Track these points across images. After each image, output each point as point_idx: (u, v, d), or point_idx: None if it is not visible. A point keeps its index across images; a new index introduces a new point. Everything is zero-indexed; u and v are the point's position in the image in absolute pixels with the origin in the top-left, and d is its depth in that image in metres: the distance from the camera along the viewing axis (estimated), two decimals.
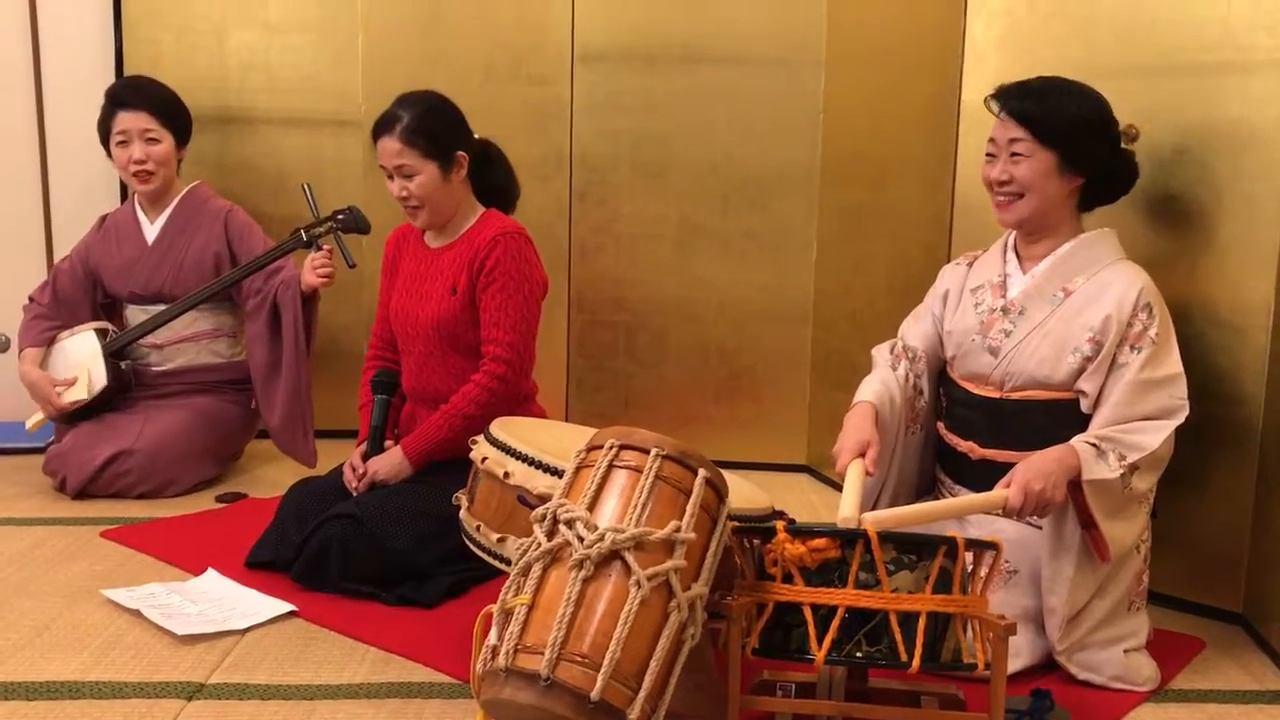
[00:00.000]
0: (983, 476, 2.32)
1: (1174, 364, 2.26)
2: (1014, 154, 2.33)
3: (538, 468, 2.10)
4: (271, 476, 3.52)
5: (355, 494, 2.72)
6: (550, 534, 1.78)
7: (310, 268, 3.29)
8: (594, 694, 1.64)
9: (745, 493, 2.27)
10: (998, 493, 2.16)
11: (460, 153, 2.80)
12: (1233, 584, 2.54)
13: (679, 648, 1.76)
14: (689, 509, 1.80)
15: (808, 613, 1.85)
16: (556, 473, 2.04)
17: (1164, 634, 2.45)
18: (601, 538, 1.73)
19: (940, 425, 2.51)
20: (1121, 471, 2.15)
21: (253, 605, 2.50)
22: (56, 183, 3.93)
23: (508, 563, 2.07)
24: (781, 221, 3.67)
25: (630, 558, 1.72)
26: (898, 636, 1.82)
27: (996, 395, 2.38)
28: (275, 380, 3.40)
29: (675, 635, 1.74)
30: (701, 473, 1.83)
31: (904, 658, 1.82)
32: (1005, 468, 2.20)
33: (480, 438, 2.27)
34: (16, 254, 3.91)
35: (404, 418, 2.95)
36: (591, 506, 1.79)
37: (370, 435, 2.81)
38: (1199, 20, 2.49)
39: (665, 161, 3.70)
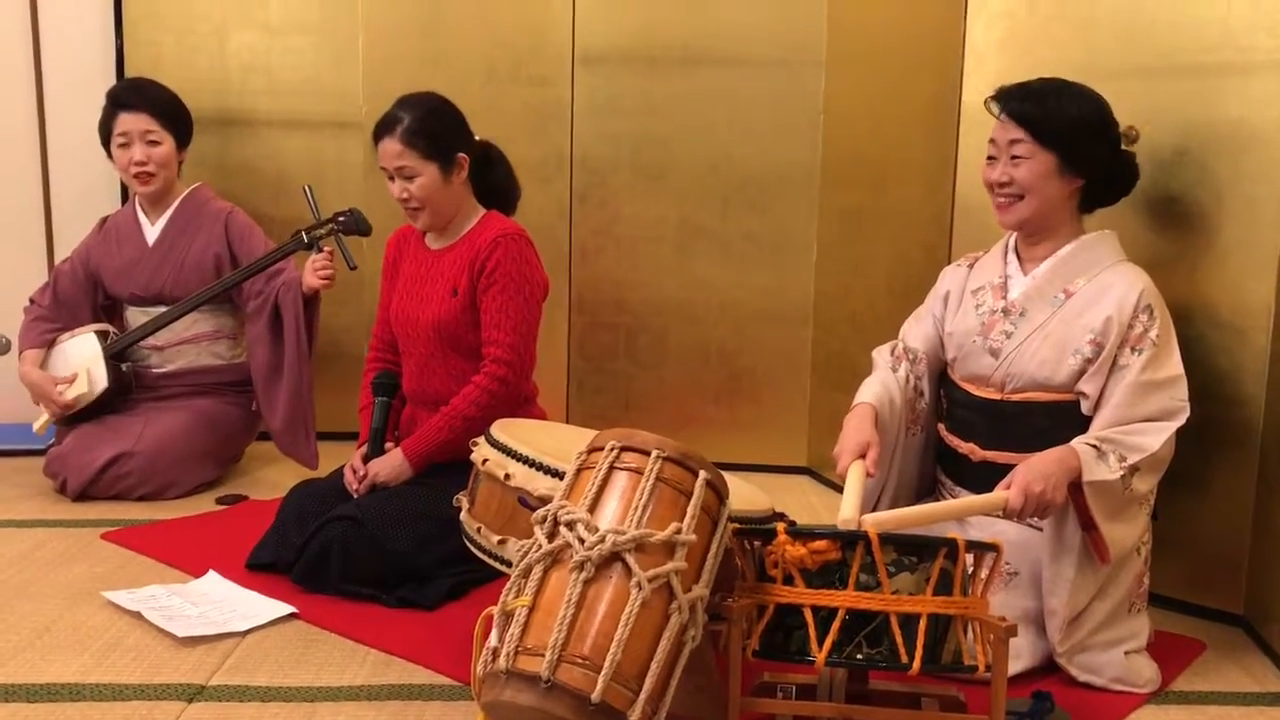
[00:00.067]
0: (983, 478, 2.32)
1: (1175, 365, 2.26)
2: (1014, 156, 2.33)
3: (539, 469, 2.10)
4: (272, 478, 3.52)
5: (356, 496, 2.72)
6: (551, 536, 1.78)
7: (311, 269, 3.29)
8: (595, 696, 1.64)
9: (746, 494, 2.27)
10: (998, 494, 2.16)
11: (461, 154, 2.80)
12: (1233, 585, 2.54)
13: (680, 649, 1.76)
14: (690, 511, 1.80)
15: (808, 614, 1.85)
16: (557, 475, 2.04)
17: (1165, 636, 2.45)
18: (602, 539, 1.73)
19: (941, 427, 2.51)
20: (1122, 473, 2.15)
21: (253, 607, 2.50)
22: (57, 184, 3.93)
23: (508, 564, 2.07)
24: (782, 223, 3.67)
25: (631, 559, 1.72)
26: (898, 638, 1.82)
27: (997, 397, 2.38)
28: (277, 382, 3.40)
29: (676, 637, 1.74)
30: (702, 474, 1.83)
31: (905, 659, 1.82)
32: (1006, 469, 2.20)
33: (481, 439, 2.27)
34: (17, 255, 3.91)
35: (404, 420, 2.95)
36: (592, 508, 1.79)
37: (371, 437, 2.81)
38: (1199, 21, 2.49)
39: (666, 163, 3.70)
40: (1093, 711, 2.15)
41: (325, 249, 3.29)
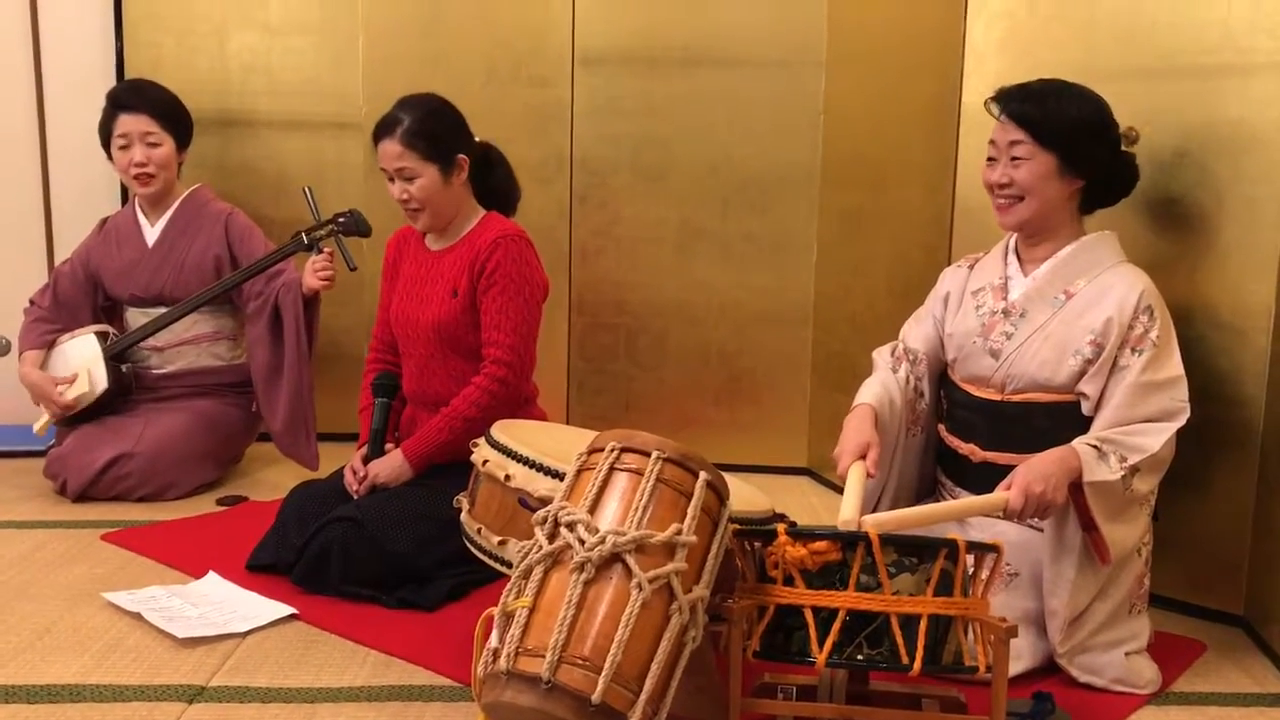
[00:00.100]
0: (984, 479, 2.32)
1: (1175, 366, 2.26)
2: (1014, 157, 2.33)
3: (539, 470, 2.10)
4: (272, 479, 3.52)
5: (356, 497, 2.72)
6: (551, 537, 1.78)
7: (311, 270, 3.29)
8: (595, 697, 1.64)
9: (746, 495, 2.27)
10: (998, 495, 2.16)
11: (461, 155, 2.80)
12: (1234, 586, 2.54)
13: (680, 650, 1.76)
14: (690, 512, 1.80)
15: (809, 615, 1.85)
16: (558, 475, 2.04)
17: (1165, 636, 2.45)
18: (603, 540, 1.73)
19: (941, 427, 2.51)
20: (1122, 473, 2.15)
21: (253, 608, 2.50)
22: (57, 185, 3.93)
23: (509, 565, 2.07)
24: (782, 224, 3.68)
25: (631, 560, 1.72)
26: (899, 639, 1.82)
27: (997, 398, 2.38)
28: (277, 383, 3.40)
29: (676, 638, 1.74)
30: (702, 475, 1.83)
31: (905, 660, 1.82)
32: (1006, 470, 2.20)
33: (481, 440, 2.27)
34: (17, 257, 3.91)
35: (404, 420, 2.95)
36: (593, 509, 1.79)
37: (371, 438, 2.81)
38: (1199, 23, 2.49)
39: (666, 164, 3.70)
40: (1093, 712, 2.15)
41: (325, 250, 3.29)
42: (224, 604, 2.52)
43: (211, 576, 2.67)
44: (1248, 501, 2.48)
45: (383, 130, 2.77)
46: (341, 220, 3.28)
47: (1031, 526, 2.32)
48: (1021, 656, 2.23)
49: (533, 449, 2.14)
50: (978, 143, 2.58)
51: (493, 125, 3.08)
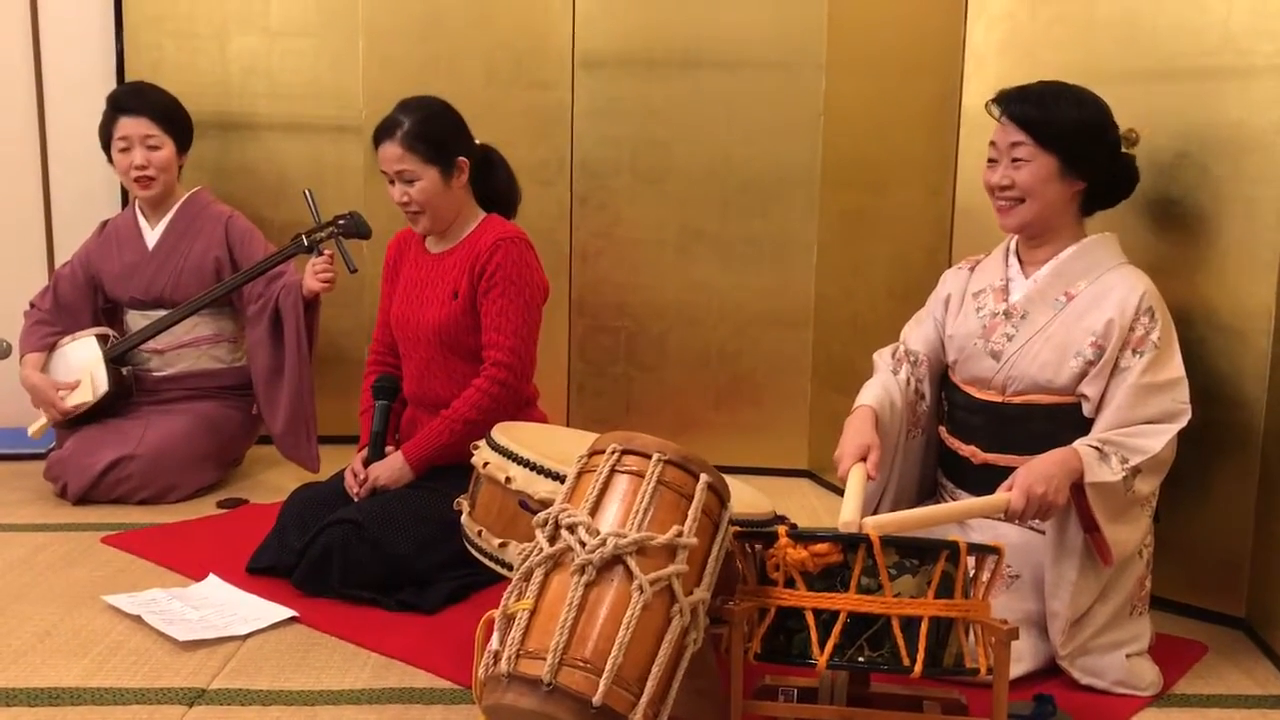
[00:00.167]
0: (985, 481, 2.32)
1: (1176, 368, 2.26)
2: (1015, 159, 2.33)
3: (539, 473, 2.10)
4: (273, 482, 3.52)
5: (356, 499, 2.72)
6: (552, 539, 1.78)
7: (312, 273, 3.29)
8: (596, 699, 1.64)
9: (747, 498, 2.27)
10: (999, 496, 2.15)
11: (461, 158, 2.80)
12: (1235, 588, 2.54)
13: (681, 653, 1.76)
14: (691, 514, 1.80)
15: (810, 617, 1.85)
16: (558, 478, 2.04)
17: (1166, 639, 2.45)
18: (604, 543, 1.73)
19: (942, 429, 2.51)
20: (1124, 474, 2.15)
21: (254, 611, 2.50)
22: (57, 188, 3.93)
23: (509, 568, 2.07)
24: (782, 225, 3.67)
25: (632, 563, 1.72)
26: (900, 641, 1.82)
27: (998, 399, 2.38)
28: (278, 385, 3.40)
29: (677, 640, 1.74)
30: (703, 478, 1.83)
31: (906, 662, 1.82)
32: (1007, 472, 2.20)
33: (482, 443, 2.27)
34: (17, 259, 3.91)
35: (405, 423, 2.95)
36: (593, 511, 1.79)
37: (371, 441, 2.81)
38: (1199, 25, 2.50)
39: (666, 166, 3.70)
40: (1095, 714, 2.15)
41: (325, 252, 3.29)
42: (225, 607, 2.52)
43: (212, 579, 2.67)
44: (1249, 503, 2.48)
45: (383, 133, 2.77)
46: (342, 222, 3.28)
47: (1033, 528, 2.32)
48: (1023, 658, 2.23)
49: (533, 451, 2.13)
50: (978, 144, 2.58)
51: (493, 128, 3.08)
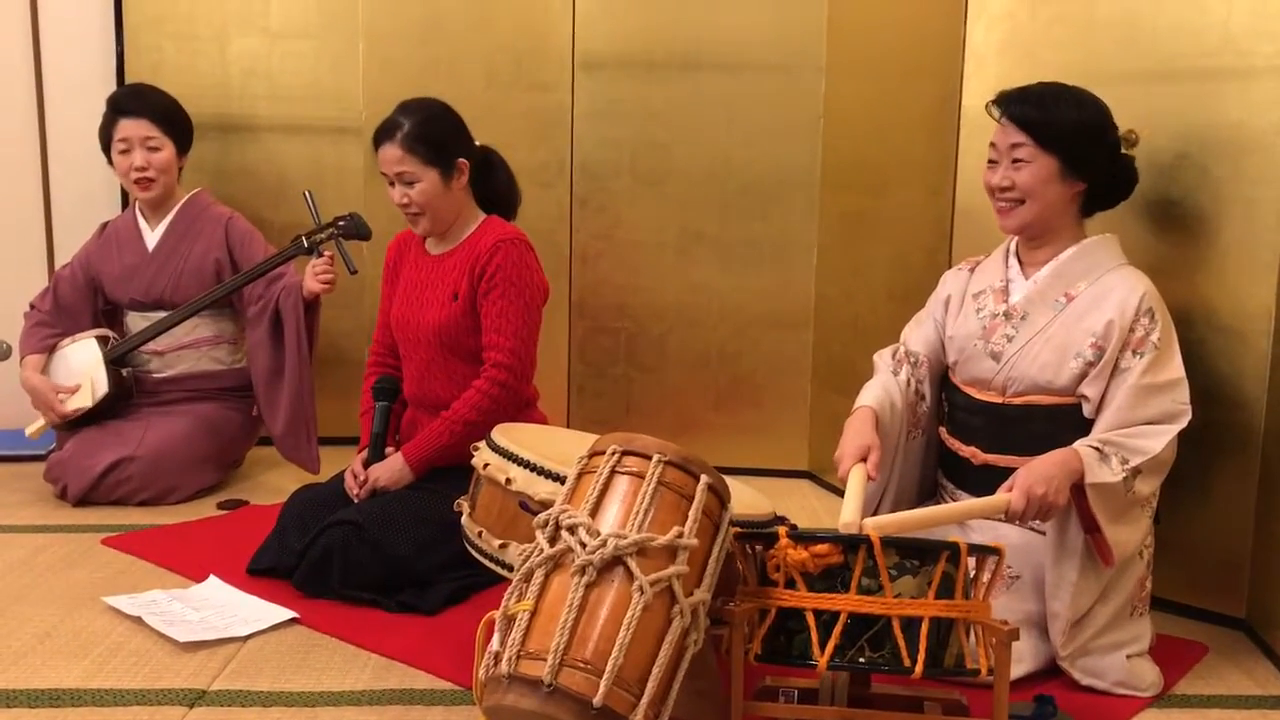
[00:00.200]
0: (985, 481, 2.32)
1: (1176, 369, 2.26)
2: (1016, 159, 2.33)
3: (540, 474, 2.10)
4: (273, 483, 3.52)
5: (357, 501, 2.72)
6: (553, 540, 1.78)
7: (312, 274, 3.29)
8: (597, 700, 1.64)
9: (747, 499, 2.27)
10: (1000, 497, 2.15)
11: (461, 160, 2.80)
12: (1235, 589, 2.54)
13: (681, 654, 1.76)
14: (691, 515, 1.80)
15: (810, 618, 1.85)
16: (558, 479, 2.04)
17: (1167, 639, 2.45)
18: (604, 544, 1.73)
19: (942, 430, 2.51)
20: (1124, 475, 2.15)
21: (254, 612, 2.50)
22: (58, 190, 3.93)
23: (510, 569, 2.07)
24: (782, 227, 3.68)
25: (633, 564, 1.72)
26: (900, 642, 1.82)
27: (999, 400, 2.38)
28: (278, 387, 3.40)
29: (678, 641, 1.74)
30: (704, 478, 1.83)
31: (907, 663, 1.82)
32: (1007, 473, 2.20)
33: (482, 444, 2.27)
34: (18, 261, 3.91)
35: (405, 424, 2.95)
36: (594, 512, 1.79)
37: (371, 442, 2.81)
38: (1199, 26, 2.50)
39: (666, 168, 3.71)
40: (1095, 715, 2.15)
41: (325, 254, 3.29)
42: (225, 608, 2.52)
43: (212, 580, 2.67)
44: (1249, 504, 2.48)
45: (383, 135, 2.77)
46: (342, 224, 3.28)
47: (1033, 529, 2.32)
48: (1023, 659, 2.23)
49: (534, 452, 2.14)
50: (978, 146, 2.58)
51: (493, 129, 3.08)
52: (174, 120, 3.48)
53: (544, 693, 1.65)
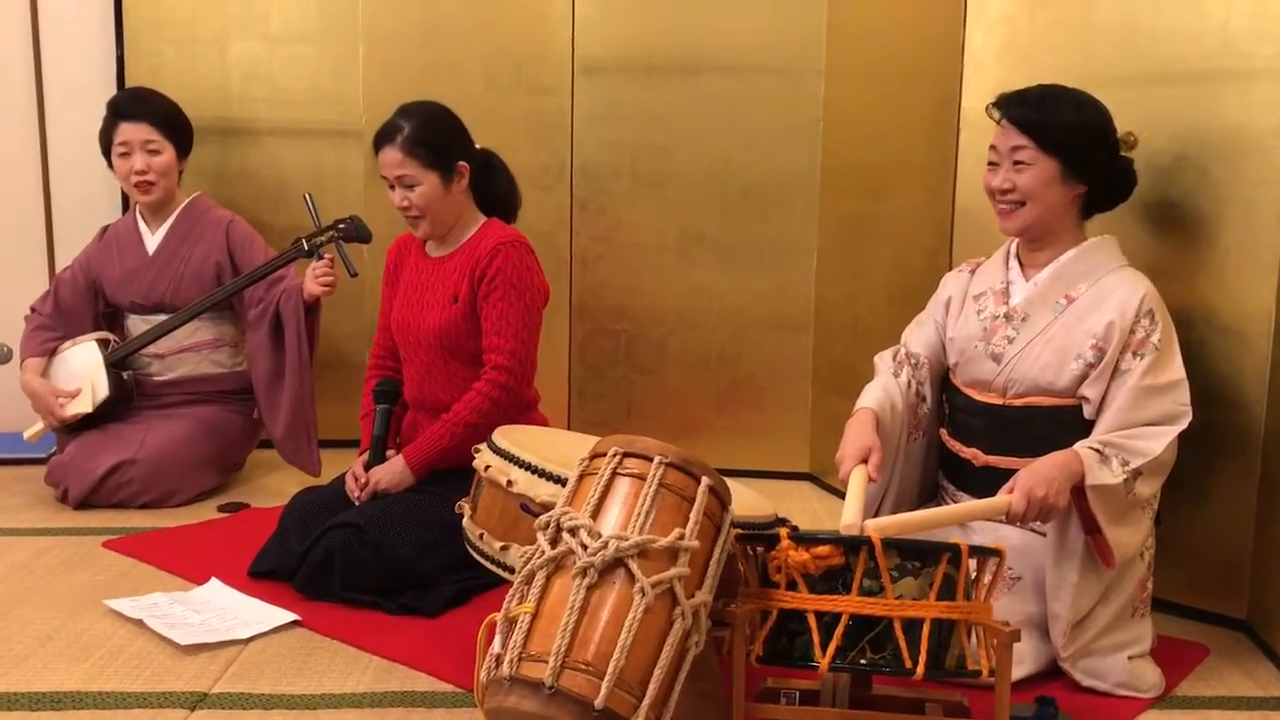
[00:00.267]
0: (986, 483, 2.32)
1: (1176, 370, 2.26)
2: (1017, 162, 2.33)
3: (541, 476, 2.10)
4: (274, 486, 3.52)
5: (358, 503, 2.72)
6: (554, 542, 1.78)
7: (312, 277, 3.30)
8: (598, 702, 1.64)
9: (748, 500, 2.27)
10: (1000, 499, 2.16)
11: (461, 163, 2.81)
12: (1236, 590, 2.54)
13: (683, 655, 1.76)
14: (692, 516, 1.80)
15: (812, 620, 1.85)
16: (560, 481, 2.04)
17: (1168, 641, 2.44)
18: (605, 545, 1.73)
19: (943, 432, 2.51)
20: (1125, 477, 2.15)
21: (256, 615, 2.50)
22: (58, 193, 3.94)
23: (511, 571, 2.08)
24: (782, 230, 3.68)
25: (634, 565, 1.72)
26: (902, 643, 1.82)
27: (999, 402, 2.39)
28: (279, 390, 3.40)
29: (679, 643, 1.74)
30: (705, 480, 1.84)
31: (908, 664, 1.82)
32: (1008, 474, 2.20)
33: (483, 446, 2.27)
34: (18, 264, 3.92)
35: (406, 427, 2.95)
36: (595, 514, 1.79)
37: (372, 445, 2.81)
38: (1198, 28, 2.50)
39: (666, 171, 3.71)
40: (1097, 716, 2.15)
41: (326, 256, 3.29)
42: (226, 611, 2.52)
43: (214, 583, 2.67)
44: (1249, 505, 2.48)
45: (383, 138, 2.78)
46: (342, 226, 3.28)
47: (1034, 530, 2.32)
48: (1024, 660, 2.23)
49: (535, 454, 2.14)
50: (978, 148, 2.59)
51: (493, 132, 3.08)
52: (174, 124, 3.48)
53: (545, 695, 1.65)
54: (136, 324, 3.52)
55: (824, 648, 1.83)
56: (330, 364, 3.74)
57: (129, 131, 3.42)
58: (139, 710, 2.09)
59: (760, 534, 1.97)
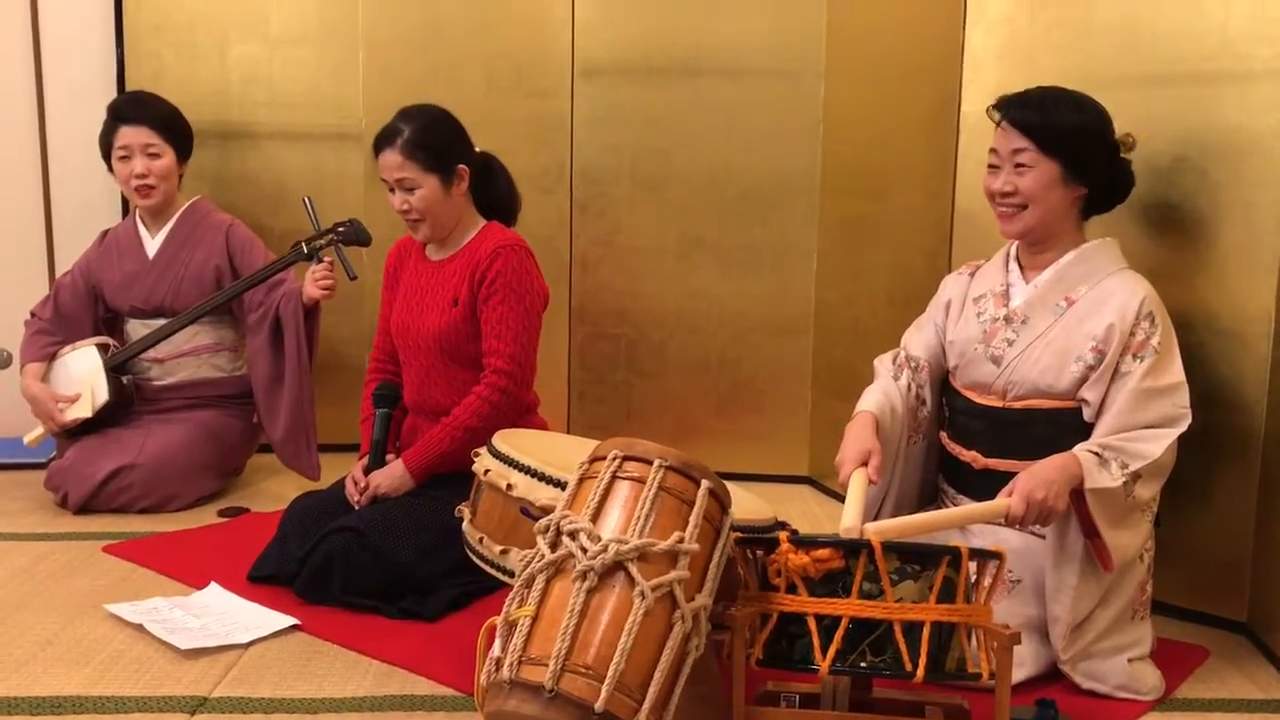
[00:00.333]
0: (985, 486, 2.32)
1: (1176, 373, 2.26)
2: (1018, 165, 2.33)
3: (541, 479, 2.10)
4: (274, 490, 3.52)
5: (357, 507, 2.72)
6: (554, 545, 1.78)
7: (312, 280, 3.30)
8: (598, 705, 1.64)
9: (748, 504, 2.27)
10: (1000, 502, 2.16)
11: (461, 166, 2.81)
12: (1236, 593, 2.54)
13: (683, 659, 1.76)
14: (692, 520, 1.80)
15: (812, 623, 1.85)
16: (559, 484, 2.04)
17: (1168, 643, 2.44)
18: (605, 549, 1.73)
19: (943, 435, 2.51)
20: (1124, 480, 2.15)
21: (256, 619, 2.50)
22: (58, 197, 3.94)
23: (511, 574, 2.08)
24: (782, 232, 3.68)
25: (634, 569, 1.72)
26: (902, 646, 1.82)
27: (999, 404, 2.39)
28: (278, 393, 3.40)
29: (679, 646, 1.74)
30: (704, 484, 1.83)
31: (908, 668, 1.82)
32: (1008, 477, 2.20)
33: (483, 450, 2.27)
34: (18, 269, 3.92)
35: (406, 430, 2.94)
36: (595, 518, 1.79)
37: (372, 449, 2.81)
38: (1198, 30, 2.50)
39: (666, 174, 3.71)
40: (1097, 719, 2.15)
41: (325, 259, 3.29)
42: (226, 615, 2.52)
43: (213, 588, 2.67)
44: (1249, 507, 2.48)
45: (383, 141, 2.78)
46: (341, 230, 3.29)
47: (1033, 533, 2.31)
48: (1024, 663, 2.23)
49: (534, 458, 2.14)
50: (978, 150, 2.59)
51: (493, 136, 3.08)
52: (174, 127, 3.48)
53: (545, 698, 1.65)
54: (136, 328, 3.52)
55: (824, 651, 1.83)
56: (330, 367, 3.74)
57: (129, 135, 3.42)
58: (139, 715, 2.09)
59: (760, 537, 1.97)
